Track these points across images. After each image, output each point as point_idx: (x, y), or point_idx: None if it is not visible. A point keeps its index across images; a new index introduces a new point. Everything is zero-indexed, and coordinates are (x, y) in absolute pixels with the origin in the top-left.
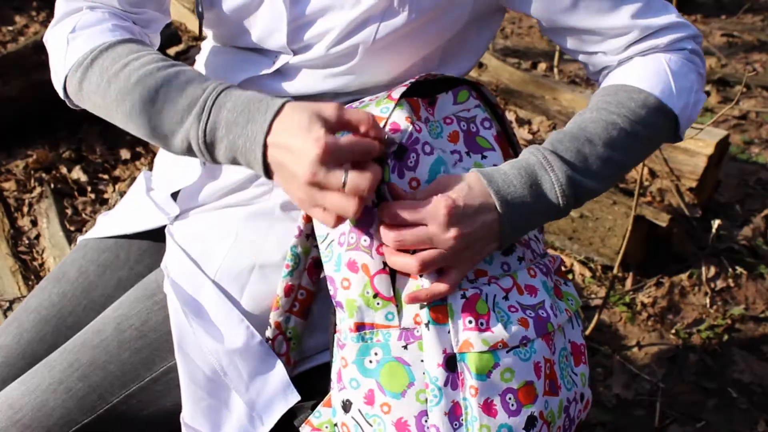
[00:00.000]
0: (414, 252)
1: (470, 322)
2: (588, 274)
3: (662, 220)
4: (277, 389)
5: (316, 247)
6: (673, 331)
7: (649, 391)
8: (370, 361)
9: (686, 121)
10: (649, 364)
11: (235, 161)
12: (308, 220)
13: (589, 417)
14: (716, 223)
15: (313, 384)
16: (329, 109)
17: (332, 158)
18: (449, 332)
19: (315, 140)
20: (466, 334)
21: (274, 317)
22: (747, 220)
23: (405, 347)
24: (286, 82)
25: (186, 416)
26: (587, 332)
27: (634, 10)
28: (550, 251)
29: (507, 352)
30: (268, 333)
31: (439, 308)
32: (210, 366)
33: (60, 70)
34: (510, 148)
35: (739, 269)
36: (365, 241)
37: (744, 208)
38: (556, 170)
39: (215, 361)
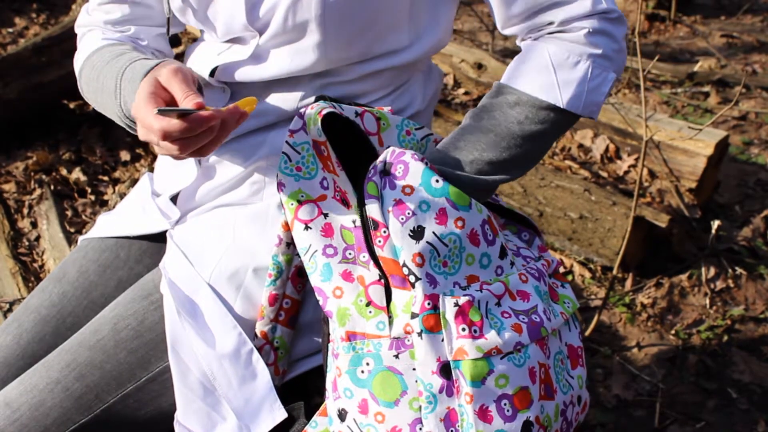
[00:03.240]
0: None
1: (464, 329)
2: (588, 274)
3: (662, 220)
4: (264, 402)
5: (299, 255)
6: (672, 331)
7: (649, 392)
8: (362, 372)
9: (584, 107)
10: (648, 365)
11: None
12: (287, 228)
13: (588, 418)
14: (716, 224)
15: (307, 385)
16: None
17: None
18: (443, 340)
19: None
20: (460, 342)
21: (259, 327)
22: (746, 220)
23: (396, 356)
24: (259, 65)
25: (179, 415)
26: (587, 333)
27: None
28: (550, 252)
29: (501, 358)
30: (255, 343)
31: (431, 317)
32: (201, 370)
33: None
34: None
35: (738, 270)
36: (363, 257)
37: (743, 209)
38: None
39: (206, 365)
